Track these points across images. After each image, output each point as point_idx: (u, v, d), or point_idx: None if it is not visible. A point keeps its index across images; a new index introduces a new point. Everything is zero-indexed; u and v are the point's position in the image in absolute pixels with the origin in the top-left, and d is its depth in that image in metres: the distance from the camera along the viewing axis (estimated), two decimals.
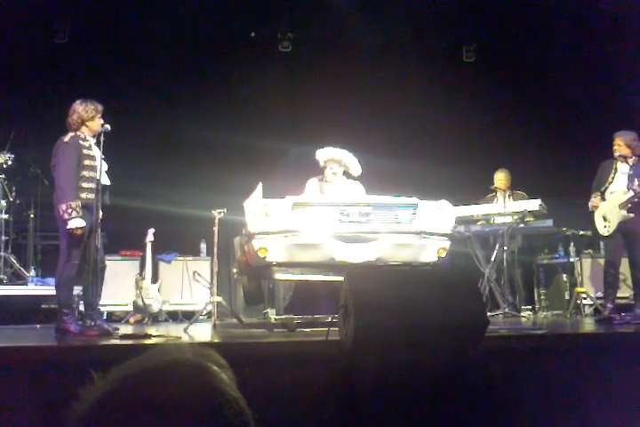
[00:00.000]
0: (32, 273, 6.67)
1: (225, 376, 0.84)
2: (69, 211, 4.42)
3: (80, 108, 4.68)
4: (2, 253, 6.59)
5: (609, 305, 5.79)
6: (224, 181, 6.87)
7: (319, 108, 7.80)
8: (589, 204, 5.96)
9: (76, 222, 4.43)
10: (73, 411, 0.81)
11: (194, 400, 0.78)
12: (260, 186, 4.67)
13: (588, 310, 6.62)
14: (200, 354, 0.86)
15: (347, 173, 5.75)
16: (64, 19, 7.69)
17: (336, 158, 5.69)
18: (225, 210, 5.46)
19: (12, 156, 6.51)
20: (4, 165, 6.56)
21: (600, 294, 6.44)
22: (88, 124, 4.69)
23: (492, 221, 6.61)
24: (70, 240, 4.50)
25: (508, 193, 6.83)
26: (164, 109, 7.72)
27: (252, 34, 8.22)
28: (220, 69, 8.00)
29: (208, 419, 0.78)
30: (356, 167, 5.70)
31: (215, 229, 5.46)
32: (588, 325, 5.62)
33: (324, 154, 5.75)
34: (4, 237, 6.66)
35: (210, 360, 0.85)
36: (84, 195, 4.53)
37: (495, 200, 6.99)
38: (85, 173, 4.58)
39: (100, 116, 4.74)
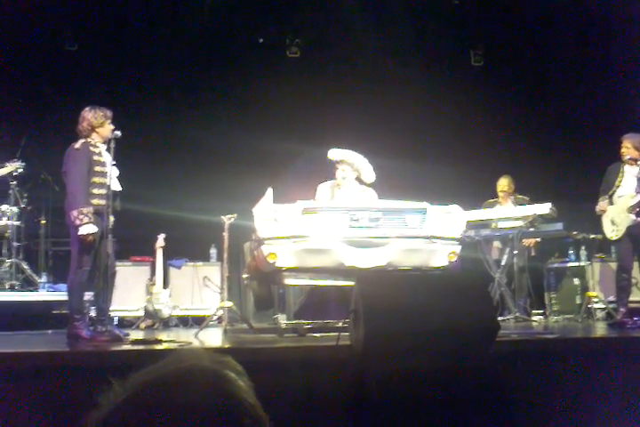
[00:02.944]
0: (43, 279, 6.70)
1: (242, 383, 0.84)
2: (81, 217, 4.44)
3: (89, 115, 4.70)
4: (13, 260, 6.64)
5: (621, 309, 5.75)
6: (234, 186, 6.88)
7: (328, 113, 7.81)
8: (596, 208, 5.92)
9: (88, 229, 4.45)
10: (90, 417, 0.81)
11: (211, 407, 0.79)
12: (269, 191, 4.67)
13: (599, 315, 6.58)
14: (217, 361, 0.86)
15: (359, 179, 5.65)
16: (74, 26, 7.74)
17: (348, 161, 5.56)
18: (235, 215, 5.47)
19: (24, 164, 6.55)
20: (15, 173, 6.61)
21: (612, 298, 6.40)
22: (98, 130, 4.71)
23: (495, 226, 6.56)
24: (81, 246, 4.52)
25: (511, 198, 6.84)
26: (175, 115, 7.76)
27: (261, 40, 8.25)
28: (229, 75, 8.03)
29: (225, 426, 0.78)
30: (368, 173, 5.57)
31: (225, 234, 5.48)
32: (601, 329, 5.59)
33: (336, 154, 5.61)
34: (15, 244, 6.70)
35: (227, 367, 0.85)
36: (95, 201, 4.55)
37: (497, 206, 6.97)
38: (96, 180, 4.60)
39: (109, 122, 4.75)
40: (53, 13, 7.50)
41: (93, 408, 0.82)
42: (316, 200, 5.52)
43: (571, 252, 7.33)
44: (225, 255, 5.57)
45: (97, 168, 4.62)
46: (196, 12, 7.71)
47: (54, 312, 6.21)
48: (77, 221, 4.44)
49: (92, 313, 5.23)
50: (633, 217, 5.69)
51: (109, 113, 4.77)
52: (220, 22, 7.91)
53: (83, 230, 4.45)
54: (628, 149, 5.83)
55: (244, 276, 5.77)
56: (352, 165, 5.57)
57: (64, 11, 7.55)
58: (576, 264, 7.16)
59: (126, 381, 0.83)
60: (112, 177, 4.65)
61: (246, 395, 0.83)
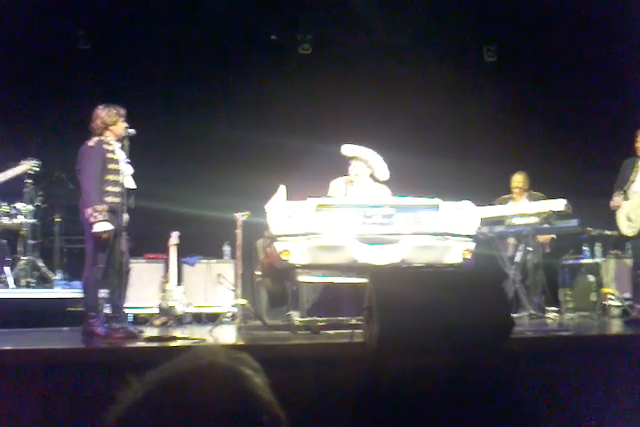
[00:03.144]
0: (58, 276, 6.75)
1: (259, 380, 0.84)
2: (95, 215, 4.46)
3: (102, 113, 4.72)
4: (29, 257, 6.69)
5: (637, 306, 5.72)
6: (247, 183, 6.89)
7: (340, 110, 7.80)
8: (611, 203, 5.87)
9: (102, 226, 4.47)
10: (107, 414, 0.82)
11: (229, 404, 0.79)
12: (282, 188, 4.68)
13: (615, 312, 6.53)
14: (234, 358, 0.86)
15: (373, 177, 5.62)
16: (87, 24, 7.78)
17: (362, 158, 5.53)
18: (248, 213, 5.48)
19: (40, 162, 6.59)
20: (30, 171, 6.64)
21: (627, 295, 6.35)
22: (111, 128, 4.73)
23: (509, 222, 6.52)
24: (96, 244, 4.54)
25: (526, 195, 6.81)
26: (188, 113, 7.78)
27: (273, 37, 8.25)
28: (241, 72, 8.04)
29: (242, 423, 0.78)
30: (382, 171, 5.55)
31: (238, 231, 5.49)
32: (616, 326, 5.55)
33: (350, 150, 5.58)
34: (30, 242, 6.75)
35: (243, 364, 0.85)
36: (109, 198, 4.57)
37: (510, 202, 6.93)
38: (110, 177, 4.62)
39: (122, 120, 4.76)
40: (66, 12, 7.54)
41: (111, 405, 0.82)
42: (328, 197, 5.52)
43: (586, 248, 7.27)
44: (238, 253, 5.59)
45: (111, 166, 4.64)
46: (210, 9, 7.72)
47: (69, 309, 6.25)
48: (92, 219, 4.47)
49: (107, 310, 5.26)
50: None
51: (123, 111, 4.78)
52: (232, 19, 7.91)
53: (97, 228, 4.47)
54: None
55: (258, 273, 5.78)
56: (366, 161, 5.55)
57: (77, 10, 7.58)
58: (591, 261, 7.10)
59: (144, 378, 0.83)
60: (126, 175, 4.67)
61: (263, 392, 0.83)
